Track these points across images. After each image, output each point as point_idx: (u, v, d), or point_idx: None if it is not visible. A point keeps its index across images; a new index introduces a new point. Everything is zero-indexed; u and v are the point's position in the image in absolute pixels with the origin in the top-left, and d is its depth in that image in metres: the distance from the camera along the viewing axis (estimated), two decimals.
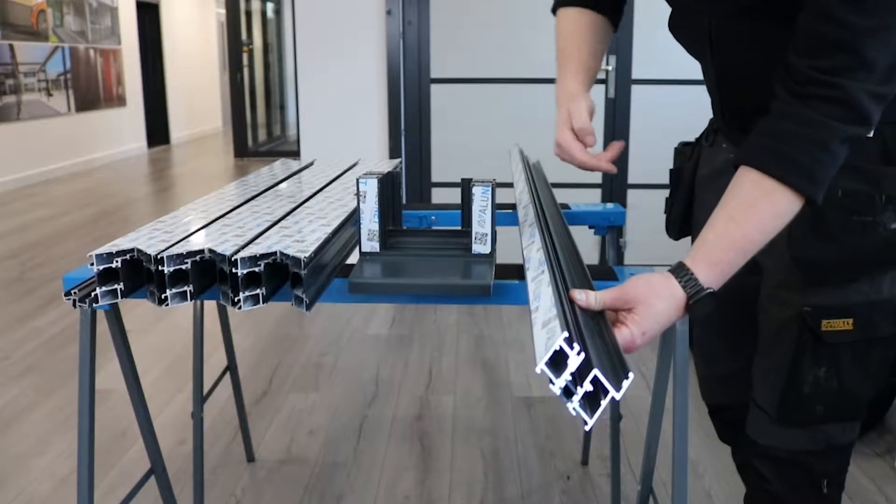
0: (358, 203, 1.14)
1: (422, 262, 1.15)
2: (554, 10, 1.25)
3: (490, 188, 1.13)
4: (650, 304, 0.86)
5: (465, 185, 1.18)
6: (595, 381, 0.69)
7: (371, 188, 1.13)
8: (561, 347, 0.69)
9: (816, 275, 1.05)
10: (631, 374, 0.71)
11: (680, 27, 1.17)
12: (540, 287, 0.88)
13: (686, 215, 1.30)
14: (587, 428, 0.72)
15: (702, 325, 1.34)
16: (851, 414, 1.13)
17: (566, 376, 0.69)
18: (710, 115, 1.26)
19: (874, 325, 1.07)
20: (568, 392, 0.71)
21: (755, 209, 0.89)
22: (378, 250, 1.16)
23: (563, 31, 1.21)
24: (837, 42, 0.86)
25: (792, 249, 1.03)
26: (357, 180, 1.13)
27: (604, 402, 0.69)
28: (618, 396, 0.69)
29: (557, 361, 0.70)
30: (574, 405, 0.70)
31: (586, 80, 1.15)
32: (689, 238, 1.30)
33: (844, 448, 1.17)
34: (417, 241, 1.22)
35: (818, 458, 1.16)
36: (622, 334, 0.84)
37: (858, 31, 0.85)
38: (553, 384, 0.69)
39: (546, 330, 0.74)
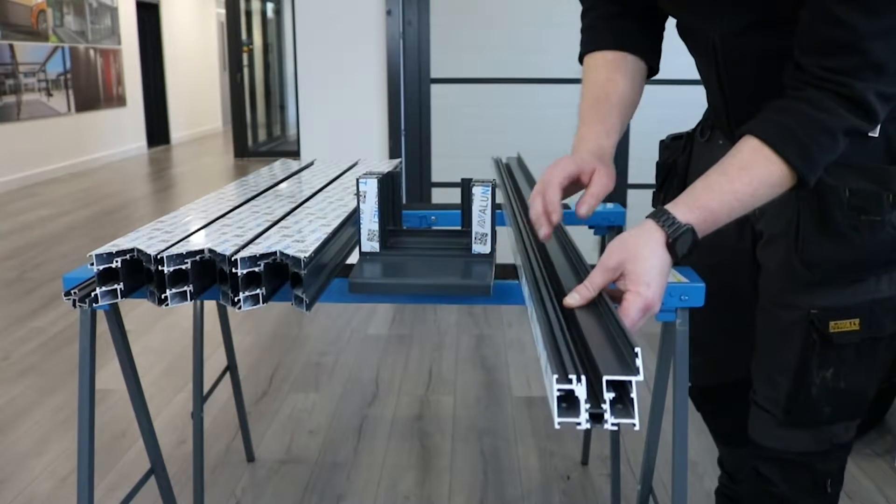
0: (358, 203, 1.14)
1: (422, 262, 1.15)
2: (581, 58, 1.17)
3: (490, 188, 1.13)
4: (635, 256, 0.86)
5: (465, 185, 1.18)
6: (611, 383, 0.68)
7: (371, 188, 1.12)
8: (560, 390, 0.68)
9: (825, 275, 1.05)
10: (638, 349, 0.70)
11: (687, 38, 1.15)
12: (535, 329, 0.86)
13: None
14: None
15: (702, 325, 1.34)
16: (856, 413, 1.13)
17: (584, 410, 0.67)
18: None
19: (879, 323, 1.06)
20: (597, 417, 0.68)
21: (749, 170, 0.90)
22: (378, 250, 1.16)
23: (594, 81, 1.12)
24: (843, 43, 0.86)
25: (800, 251, 1.03)
26: (357, 180, 1.13)
27: (633, 393, 0.68)
28: (640, 378, 0.68)
29: (569, 398, 0.69)
30: (609, 424, 0.67)
31: (611, 143, 1.08)
32: None
33: (845, 446, 1.17)
34: (417, 241, 1.21)
35: (822, 458, 1.16)
36: (631, 302, 0.83)
37: (864, 33, 0.85)
38: (580, 425, 0.67)
39: (548, 377, 0.73)
